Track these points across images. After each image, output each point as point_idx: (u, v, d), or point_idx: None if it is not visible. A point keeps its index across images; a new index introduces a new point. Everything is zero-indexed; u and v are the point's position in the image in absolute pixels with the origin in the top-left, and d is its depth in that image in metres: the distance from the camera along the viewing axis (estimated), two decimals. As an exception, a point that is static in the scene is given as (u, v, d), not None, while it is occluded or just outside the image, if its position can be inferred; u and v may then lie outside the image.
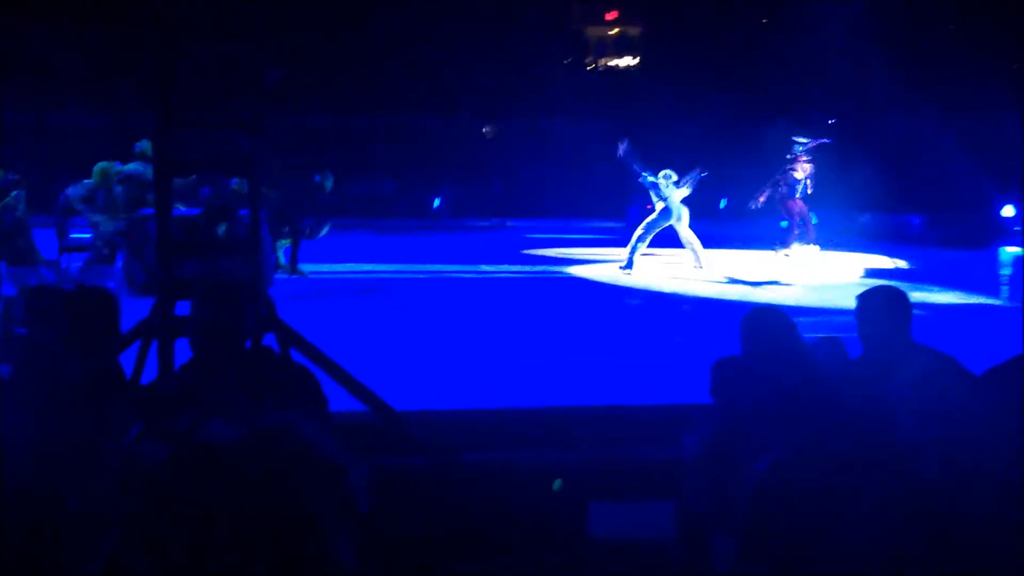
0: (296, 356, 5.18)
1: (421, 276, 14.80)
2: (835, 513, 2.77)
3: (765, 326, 4.23)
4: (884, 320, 4.16)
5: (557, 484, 4.83)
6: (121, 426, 3.08)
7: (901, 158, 23.72)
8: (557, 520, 4.52)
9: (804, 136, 16.79)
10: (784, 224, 16.98)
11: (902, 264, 16.73)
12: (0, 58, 21.64)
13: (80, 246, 12.94)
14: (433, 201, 23.83)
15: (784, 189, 16.61)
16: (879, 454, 2.97)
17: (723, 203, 18.46)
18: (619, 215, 23.45)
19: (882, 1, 26.10)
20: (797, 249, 16.48)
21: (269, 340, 5.28)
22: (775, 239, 16.83)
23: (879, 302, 4.20)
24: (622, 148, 15.12)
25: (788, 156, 16.68)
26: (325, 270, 14.26)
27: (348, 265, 15.34)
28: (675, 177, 14.92)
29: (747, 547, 3.10)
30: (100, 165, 12.27)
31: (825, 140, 17.13)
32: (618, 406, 6.10)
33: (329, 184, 13.71)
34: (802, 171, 16.71)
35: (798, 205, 16.63)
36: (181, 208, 11.34)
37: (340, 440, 2.23)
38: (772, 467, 3.09)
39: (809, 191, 16.75)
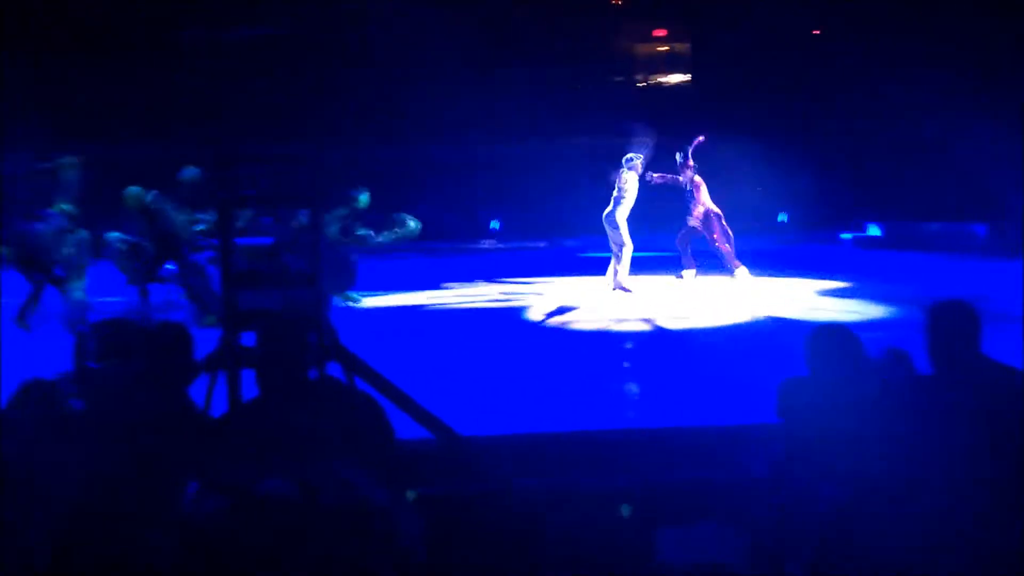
0: (359, 384, 5.22)
1: (478, 298, 14.78)
2: (915, 544, 2.73)
3: (831, 344, 4.20)
4: (954, 334, 4.10)
5: (626, 510, 4.80)
6: (187, 468, 3.13)
7: (965, 166, 23.32)
8: (624, 546, 4.49)
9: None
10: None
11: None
12: (54, 98, 22.19)
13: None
14: (490, 223, 23.87)
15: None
16: (957, 476, 2.93)
17: (782, 217, 18.24)
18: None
19: (929, 6, 25.71)
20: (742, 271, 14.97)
21: (333, 369, 5.32)
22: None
23: (949, 316, 4.15)
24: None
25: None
26: (381, 295, 14.31)
27: (404, 292, 15.40)
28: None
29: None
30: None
31: (700, 138, 15.46)
32: (683, 428, 6.07)
33: (364, 198, 13.55)
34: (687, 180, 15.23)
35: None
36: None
37: (393, 488, 2.25)
38: (842, 496, 3.05)
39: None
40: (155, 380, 4.00)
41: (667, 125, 25.35)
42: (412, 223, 13.60)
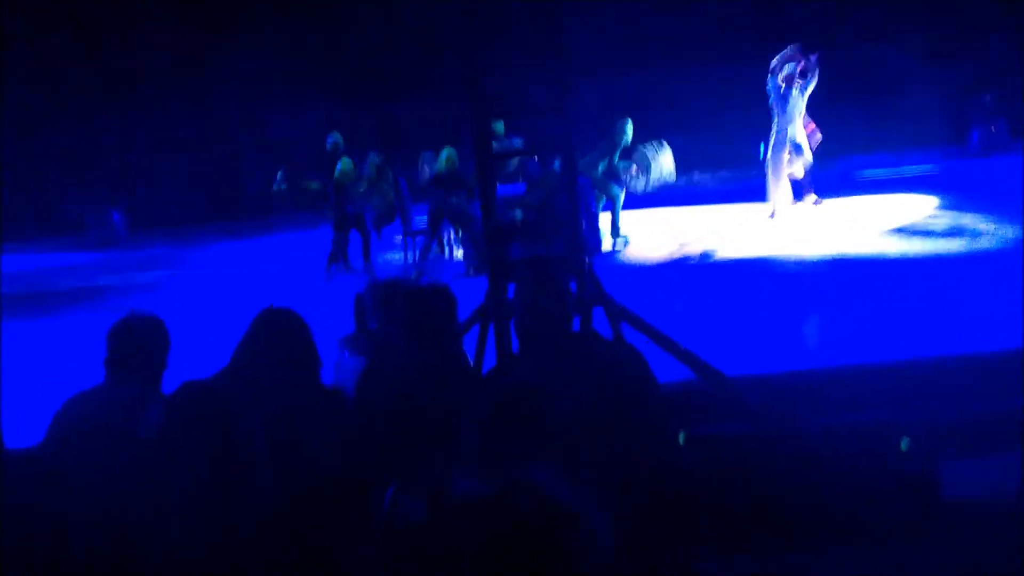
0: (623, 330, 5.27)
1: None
2: None
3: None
4: None
5: (905, 443, 4.63)
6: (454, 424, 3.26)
7: None
8: (905, 482, 4.34)
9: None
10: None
11: None
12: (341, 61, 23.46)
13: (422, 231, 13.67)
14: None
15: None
16: None
17: None
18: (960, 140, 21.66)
19: None
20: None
21: (598, 313, 5.39)
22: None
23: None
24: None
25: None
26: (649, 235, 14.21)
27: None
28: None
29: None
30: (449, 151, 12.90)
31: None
32: (963, 356, 5.74)
33: (628, 129, 13.24)
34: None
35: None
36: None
37: (581, 488, 2.26)
38: None
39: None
40: (423, 339, 4.18)
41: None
42: (667, 166, 13.24)
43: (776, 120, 13.44)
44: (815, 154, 13.91)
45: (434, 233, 13.25)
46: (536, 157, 12.42)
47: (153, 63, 23.45)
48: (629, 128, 13.08)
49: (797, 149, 13.46)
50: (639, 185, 13.14)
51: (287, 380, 3.72)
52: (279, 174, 14.12)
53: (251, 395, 3.39)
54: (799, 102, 13.37)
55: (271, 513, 2.62)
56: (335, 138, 13.48)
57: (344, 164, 12.97)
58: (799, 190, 13.94)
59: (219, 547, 2.44)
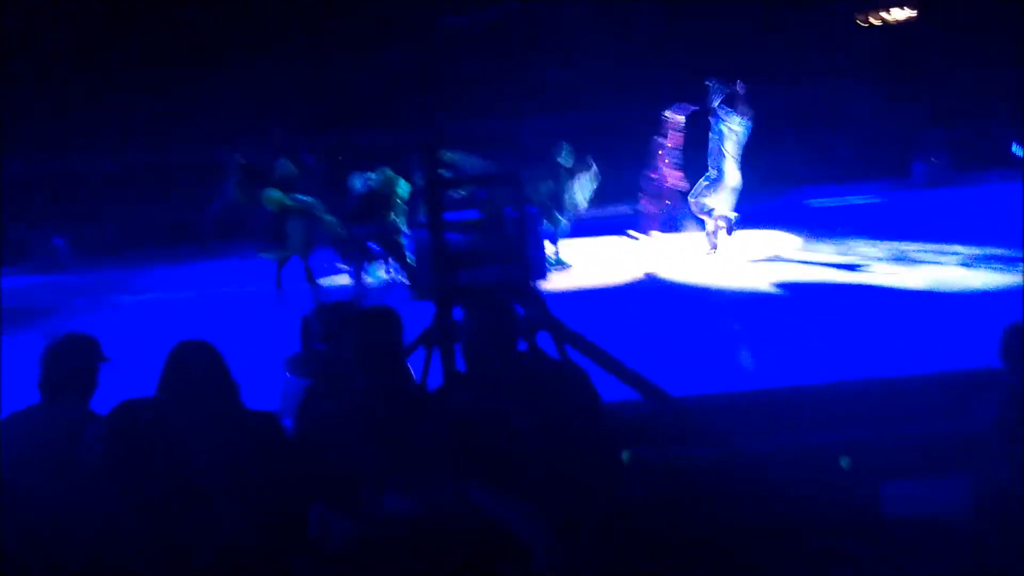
0: (568, 352, 5.29)
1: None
2: None
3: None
4: None
5: (845, 462, 4.69)
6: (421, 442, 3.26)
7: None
8: (847, 502, 4.39)
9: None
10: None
11: None
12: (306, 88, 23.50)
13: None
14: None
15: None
16: None
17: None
18: (903, 172, 22.11)
19: None
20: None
21: (543, 337, 5.40)
22: None
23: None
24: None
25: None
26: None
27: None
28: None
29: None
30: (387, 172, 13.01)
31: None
32: (901, 377, 5.84)
33: (565, 153, 13.59)
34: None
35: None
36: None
37: (521, 506, 2.26)
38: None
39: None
40: (370, 360, 4.16)
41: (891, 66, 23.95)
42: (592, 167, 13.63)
43: (712, 158, 13.53)
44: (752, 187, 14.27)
45: (362, 257, 13.30)
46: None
47: (104, 94, 23.29)
48: (568, 152, 13.47)
49: (731, 187, 13.56)
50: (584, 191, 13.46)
51: (208, 409, 3.71)
52: (234, 158, 13.91)
53: (179, 423, 3.38)
54: (736, 141, 13.44)
55: (210, 530, 2.59)
56: (285, 163, 13.43)
57: (271, 192, 12.87)
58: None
59: (153, 563, 2.41)
